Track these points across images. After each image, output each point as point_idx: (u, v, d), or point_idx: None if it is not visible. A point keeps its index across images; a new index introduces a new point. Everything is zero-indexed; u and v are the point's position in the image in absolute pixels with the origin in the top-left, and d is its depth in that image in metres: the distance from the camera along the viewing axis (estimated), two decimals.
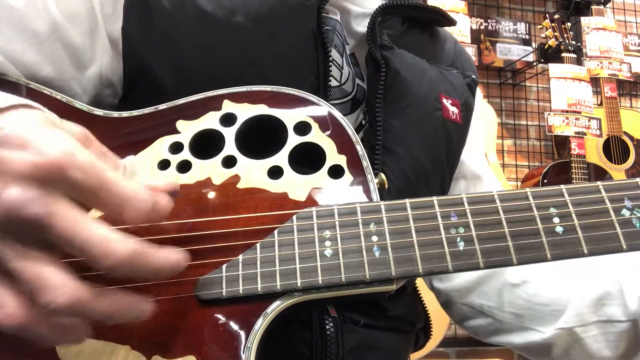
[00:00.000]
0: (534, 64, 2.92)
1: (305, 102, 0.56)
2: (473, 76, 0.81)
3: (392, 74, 0.68)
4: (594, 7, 2.80)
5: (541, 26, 2.72)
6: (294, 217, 0.49)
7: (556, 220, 0.48)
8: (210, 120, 0.55)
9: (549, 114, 2.54)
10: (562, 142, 2.78)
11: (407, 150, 0.67)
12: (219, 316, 0.47)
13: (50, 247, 0.37)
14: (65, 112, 0.56)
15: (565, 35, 2.65)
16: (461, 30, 2.57)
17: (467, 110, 0.78)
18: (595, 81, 2.78)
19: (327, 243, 0.48)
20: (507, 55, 2.92)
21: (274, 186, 0.52)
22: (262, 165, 0.53)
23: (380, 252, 0.47)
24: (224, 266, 0.48)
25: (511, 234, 0.48)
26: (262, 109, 0.56)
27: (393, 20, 0.74)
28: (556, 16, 2.70)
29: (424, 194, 0.64)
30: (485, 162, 0.86)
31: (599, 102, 2.87)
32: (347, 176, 0.53)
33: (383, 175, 0.58)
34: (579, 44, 2.67)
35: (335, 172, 0.53)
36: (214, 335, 0.46)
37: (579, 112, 2.53)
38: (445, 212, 0.49)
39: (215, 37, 0.62)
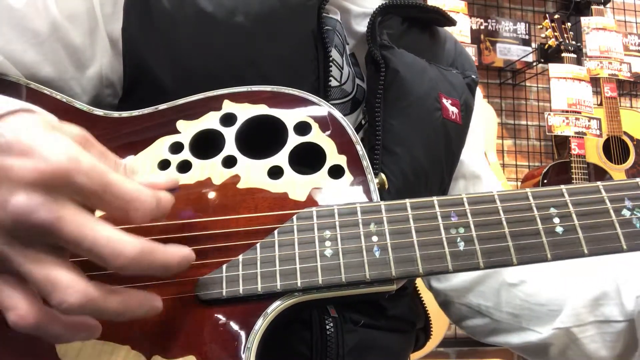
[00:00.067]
0: (534, 64, 2.92)
1: (306, 102, 0.56)
2: (473, 76, 0.81)
3: (391, 73, 0.68)
4: (594, 7, 2.80)
5: (541, 26, 2.72)
6: (294, 217, 0.49)
7: (556, 220, 0.48)
8: (210, 120, 0.55)
9: (549, 114, 2.54)
10: (562, 142, 2.78)
11: (406, 150, 0.67)
12: (219, 316, 0.47)
13: (58, 248, 0.37)
14: (66, 112, 0.56)
15: (565, 35, 2.64)
16: (461, 30, 2.57)
17: (466, 110, 0.78)
18: (595, 81, 2.78)
19: (327, 243, 0.48)
20: (507, 55, 2.92)
21: (274, 186, 0.52)
22: (262, 165, 0.53)
23: (381, 252, 0.47)
24: (224, 266, 0.48)
25: (511, 234, 0.48)
26: (262, 109, 0.55)
27: (393, 20, 0.73)
28: (556, 16, 2.70)
29: (423, 194, 0.64)
30: (485, 162, 0.86)
31: (599, 102, 2.87)
32: (347, 176, 0.53)
33: (383, 176, 0.58)
34: (579, 44, 2.67)
35: (336, 172, 0.53)
36: (214, 335, 0.46)
37: (579, 112, 2.53)
38: (446, 212, 0.49)
39: (216, 37, 0.62)
